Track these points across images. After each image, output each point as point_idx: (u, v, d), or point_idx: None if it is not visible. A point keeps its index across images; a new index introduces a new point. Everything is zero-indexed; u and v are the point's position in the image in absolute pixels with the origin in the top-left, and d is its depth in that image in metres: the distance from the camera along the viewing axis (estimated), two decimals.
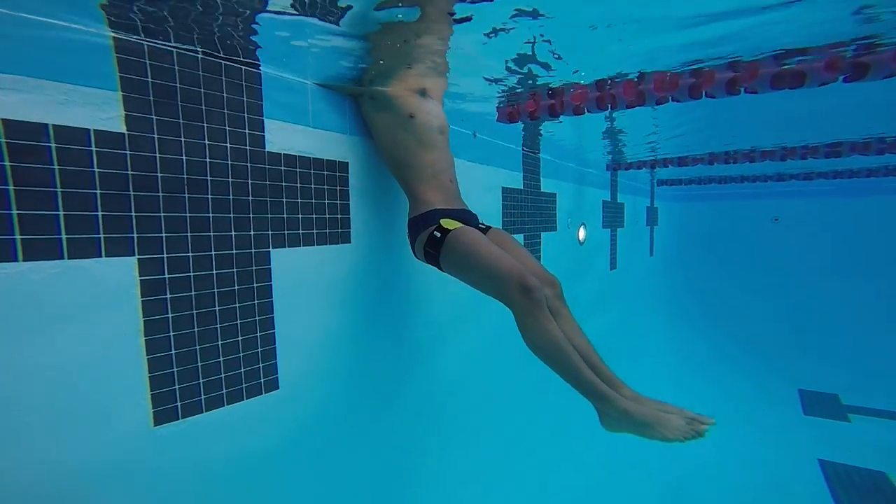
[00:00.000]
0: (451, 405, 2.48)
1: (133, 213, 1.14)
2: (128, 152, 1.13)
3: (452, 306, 2.47)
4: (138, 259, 1.16)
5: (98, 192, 1.07)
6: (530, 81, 1.92)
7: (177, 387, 1.26)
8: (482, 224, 1.88)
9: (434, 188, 1.73)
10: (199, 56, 1.27)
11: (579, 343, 1.59)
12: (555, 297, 1.64)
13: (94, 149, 1.06)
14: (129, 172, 1.13)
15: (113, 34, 1.09)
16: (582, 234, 4.42)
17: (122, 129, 1.11)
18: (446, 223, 1.63)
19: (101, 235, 1.09)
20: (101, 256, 1.09)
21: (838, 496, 3.37)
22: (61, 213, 1.02)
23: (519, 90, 2.05)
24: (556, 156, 3.82)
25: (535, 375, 3.65)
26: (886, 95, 2.28)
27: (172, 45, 1.20)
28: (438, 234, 1.59)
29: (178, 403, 1.27)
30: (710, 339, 7.29)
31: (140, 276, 1.17)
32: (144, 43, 1.14)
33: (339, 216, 1.75)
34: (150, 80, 1.16)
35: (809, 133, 3.27)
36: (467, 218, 1.79)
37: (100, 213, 1.08)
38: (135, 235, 1.15)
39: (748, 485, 3.49)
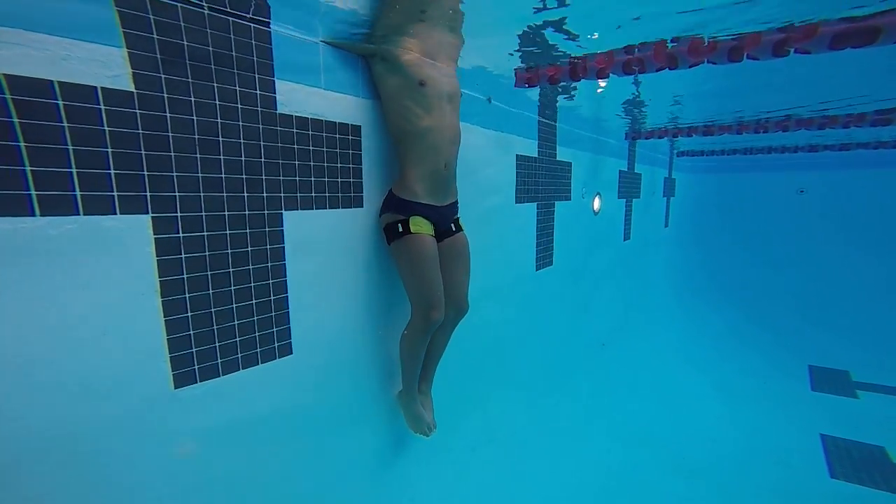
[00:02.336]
0: (464, 371, 2.50)
1: (146, 172, 1.13)
2: (137, 111, 1.10)
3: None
4: (152, 217, 1.15)
5: (110, 150, 1.05)
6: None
7: (194, 350, 1.28)
8: (453, 223, 1.91)
9: (424, 175, 1.71)
10: (206, 12, 1.21)
11: (438, 349, 1.99)
12: (453, 321, 1.97)
13: (102, 107, 1.03)
14: (140, 131, 1.11)
15: None
16: (597, 204, 4.31)
17: (131, 87, 1.08)
18: (414, 223, 1.69)
19: (115, 193, 1.07)
20: (115, 213, 1.08)
21: (833, 468, 3.41)
22: (74, 170, 1.01)
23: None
24: (573, 124, 3.68)
25: (553, 347, 3.68)
26: None
27: None
28: (400, 229, 1.69)
29: (196, 367, 1.29)
30: (722, 312, 7.16)
31: (154, 234, 1.16)
32: None
33: (351, 180, 1.72)
34: (155, 36, 1.11)
35: (851, 99, 3.02)
36: (442, 217, 1.81)
37: (112, 171, 1.06)
38: (148, 194, 1.14)
39: (749, 455, 3.52)
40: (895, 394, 4.69)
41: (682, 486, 3.03)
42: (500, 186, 2.76)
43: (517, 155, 2.90)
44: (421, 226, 1.71)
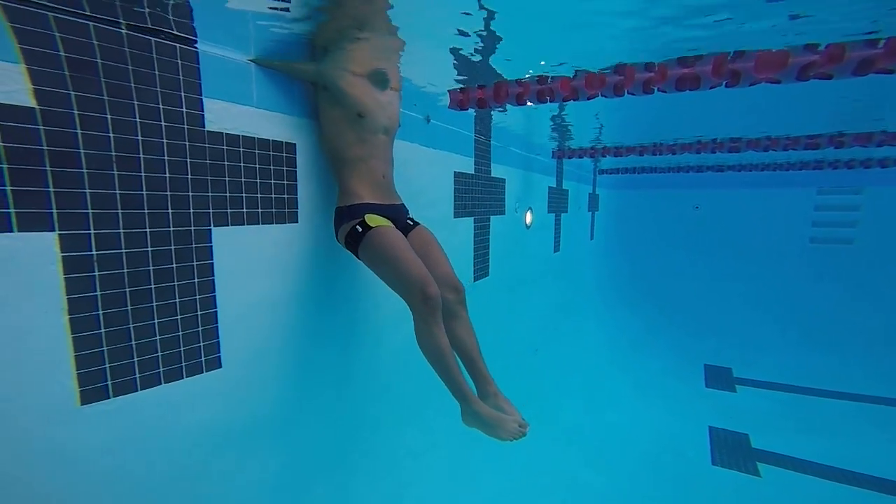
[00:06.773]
0: (400, 381, 2.46)
1: (51, 189, 1.03)
2: (41, 127, 1.00)
3: None
4: (59, 234, 1.05)
5: (4, 166, 0.95)
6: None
7: (107, 365, 1.17)
8: (410, 220, 1.84)
9: (365, 182, 1.66)
10: (123, 32, 1.13)
11: (467, 343, 1.67)
12: (456, 302, 1.69)
13: None
14: (45, 148, 1.01)
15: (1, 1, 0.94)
16: (529, 218, 4.46)
17: (32, 103, 0.99)
18: (371, 219, 1.60)
19: (11, 210, 0.97)
20: (11, 231, 0.97)
21: (714, 456, 3.81)
22: None
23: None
24: (506, 142, 3.80)
25: (491, 353, 3.71)
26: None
27: (87, 15, 1.06)
28: (360, 230, 1.57)
29: (109, 382, 1.18)
30: (642, 316, 7.59)
31: (62, 252, 1.06)
32: (49, 14, 0.99)
33: (286, 196, 1.66)
34: (62, 53, 1.02)
35: (721, 128, 3.41)
36: (395, 214, 1.75)
37: (8, 188, 0.96)
38: (54, 211, 1.04)
39: (655, 449, 3.82)
40: (761, 387, 5.29)
41: (602, 480, 3.20)
42: (439, 202, 2.78)
43: (455, 172, 2.95)
44: (379, 220, 1.61)
